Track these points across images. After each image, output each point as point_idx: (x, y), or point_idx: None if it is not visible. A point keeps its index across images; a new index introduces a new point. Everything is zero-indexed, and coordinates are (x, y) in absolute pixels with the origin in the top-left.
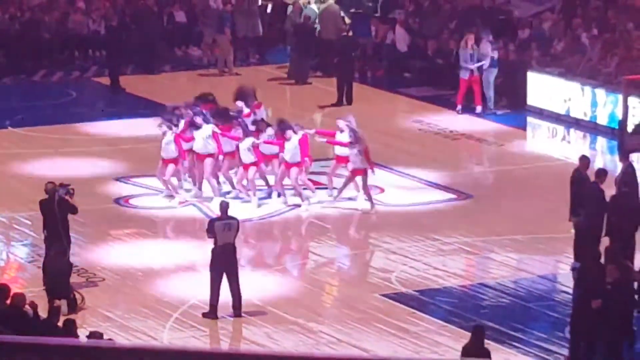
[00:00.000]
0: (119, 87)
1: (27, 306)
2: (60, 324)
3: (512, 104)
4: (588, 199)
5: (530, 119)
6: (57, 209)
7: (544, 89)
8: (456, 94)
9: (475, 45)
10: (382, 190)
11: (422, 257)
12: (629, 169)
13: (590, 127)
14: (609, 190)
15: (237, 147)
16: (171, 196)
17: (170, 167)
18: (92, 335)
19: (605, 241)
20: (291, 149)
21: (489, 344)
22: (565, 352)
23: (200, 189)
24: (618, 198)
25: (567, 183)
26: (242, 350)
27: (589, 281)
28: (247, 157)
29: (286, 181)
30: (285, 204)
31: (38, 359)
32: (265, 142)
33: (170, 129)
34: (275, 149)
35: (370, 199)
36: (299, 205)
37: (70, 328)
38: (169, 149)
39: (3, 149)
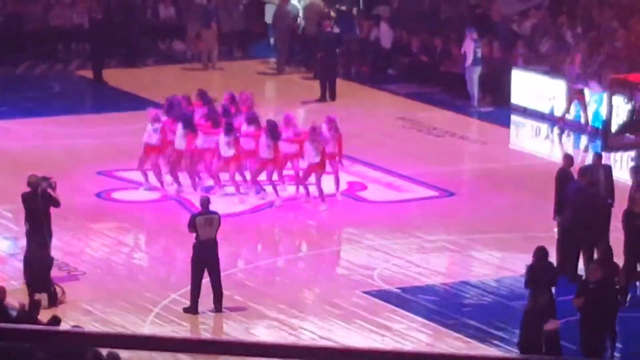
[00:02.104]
0: (102, 80)
1: (19, 305)
2: (41, 317)
3: (496, 101)
4: (571, 198)
5: (514, 117)
6: (40, 202)
7: (528, 87)
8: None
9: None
10: (365, 187)
11: (405, 255)
12: (606, 169)
13: (575, 126)
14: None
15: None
16: (151, 189)
17: (153, 158)
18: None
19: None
20: (264, 146)
21: (469, 342)
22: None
23: (179, 184)
24: (592, 198)
25: (551, 181)
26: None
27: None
28: (226, 152)
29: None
30: (263, 199)
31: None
32: (242, 136)
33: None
34: (253, 144)
35: (321, 193)
36: (274, 202)
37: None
38: (153, 136)
39: None
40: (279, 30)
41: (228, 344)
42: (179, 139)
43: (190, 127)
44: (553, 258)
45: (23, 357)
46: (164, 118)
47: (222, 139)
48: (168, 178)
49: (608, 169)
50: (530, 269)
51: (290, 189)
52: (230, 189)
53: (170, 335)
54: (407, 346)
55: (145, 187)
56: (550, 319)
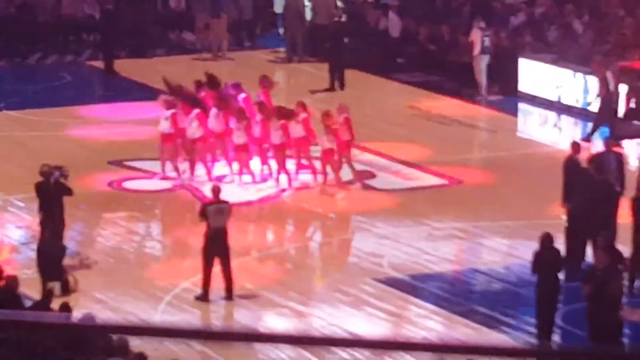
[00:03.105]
0: (113, 70)
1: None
2: (54, 306)
3: (504, 90)
4: (579, 185)
5: (521, 105)
6: (53, 192)
7: (535, 75)
8: None
9: None
10: (374, 175)
11: (414, 242)
12: (618, 157)
13: (582, 114)
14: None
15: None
16: (165, 179)
17: (169, 147)
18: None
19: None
20: (274, 130)
21: (479, 328)
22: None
23: (193, 173)
24: (600, 185)
25: (558, 169)
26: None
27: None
28: (238, 138)
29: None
30: (275, 187)
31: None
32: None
33: (171, 105)
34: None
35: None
36: (284, 190)
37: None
38: (165, 124)
39: None
40: (290, 20)
41: (238, 334)
42: (192, 128)
43: (202, 109)
44: (561, 245)
45: (34, 344)
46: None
47: (235, 126)
48: (184, 166)
49: (619, 156)
50: (536, 255)
51: (301, 177)
52: (246, 178)
53: (180, 325)
54: (417, 333)
55: (159, 176)
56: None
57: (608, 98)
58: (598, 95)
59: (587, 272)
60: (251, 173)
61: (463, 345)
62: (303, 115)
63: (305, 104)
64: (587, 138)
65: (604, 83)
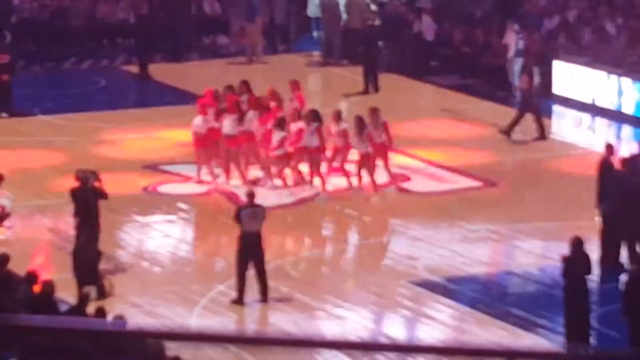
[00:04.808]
0: (148, 75)
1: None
2: (90, 310)
3: (538, 92)
4: (613, 187)
5: (555, 108)
6: (90, 196)
7: (569, 77)
8: None
9: None
10: (409, 179)
11: (449, 244)
12: None
13: (616, 116)
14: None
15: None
16: (200, 182)
17: (204, 150)
18: (116, 319)
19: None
20: (309, 134)
21: (514, 330)
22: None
23: (228, 177)
24: (634, 187)
25: (593, 171)
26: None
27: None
28: (278, 150)
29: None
30: (310, 190)
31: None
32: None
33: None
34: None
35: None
36: (319, 194)
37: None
38: (201, 129)
39: (31, 136)
40: (327, 23)
41: (273, 339)
42: (228, 128)
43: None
44: (595, 247)
45: (69, 348)
46: (211, 110)
47: (274, 136)
48: (218, 170)
49: None
50: (566, 258)
51: (335, 181)
52: (277, 181)
53: (214, 330)
54: (451, 336)
55: (194, 180)
56: None
57: (531, 90)
58: (519, 88)
59: (622, 273)
60: (285, 176)
61: (499, 348)
62: (343, 125)
63: (340, 113)
64: (507, 130)
65: (529, 76)
